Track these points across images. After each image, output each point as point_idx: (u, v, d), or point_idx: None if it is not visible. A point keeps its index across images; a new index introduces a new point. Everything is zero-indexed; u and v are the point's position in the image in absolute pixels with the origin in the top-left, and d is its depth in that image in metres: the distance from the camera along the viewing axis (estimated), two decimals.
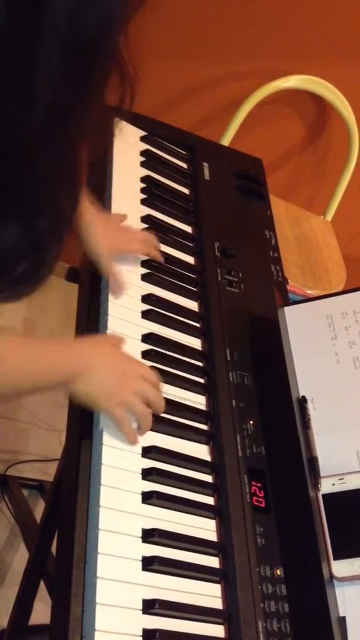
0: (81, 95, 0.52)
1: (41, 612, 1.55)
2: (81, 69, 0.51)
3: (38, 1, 0.46)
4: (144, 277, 1.11)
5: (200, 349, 1.10)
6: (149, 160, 1.29)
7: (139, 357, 1.01)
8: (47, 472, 1.93)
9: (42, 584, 1.49)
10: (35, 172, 0.54)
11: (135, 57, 0.55)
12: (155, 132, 1.34)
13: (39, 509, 1.87)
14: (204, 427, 1.01)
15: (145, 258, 1.13)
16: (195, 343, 1.10)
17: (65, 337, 2.10)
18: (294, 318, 1.13)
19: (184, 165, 1.37)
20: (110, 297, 1.04)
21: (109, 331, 1.00)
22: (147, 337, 1.04)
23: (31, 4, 0.46)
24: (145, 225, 1.18)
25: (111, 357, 0.91)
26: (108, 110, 0.58)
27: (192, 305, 1.15)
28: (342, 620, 0.86)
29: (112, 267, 1.04)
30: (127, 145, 1.28)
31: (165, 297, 1.12)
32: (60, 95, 0.49)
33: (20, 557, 1.76)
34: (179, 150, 1.38)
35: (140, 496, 0.87)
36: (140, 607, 0.79)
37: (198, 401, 1.04)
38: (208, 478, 0.96)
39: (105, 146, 0.62)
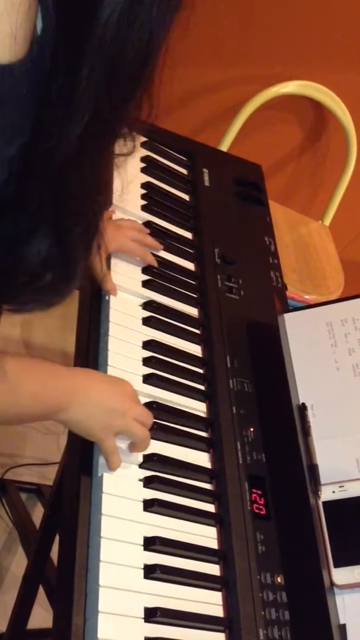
0: (116, 115, 0.53)
1: (39, 617, 1.55)
2: (120, 90, 0.51)
3: (88, 15, 0.45)
4: (145, 284, 1.12)
5: (200, 355, 1.11)
6: (149, 166, 1.29)
7: (139, 363, 1.01)
8: (46, 476, 1.93)
9: (40, 588, 1.49)
10: (68, 189, 0.54)
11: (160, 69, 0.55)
12: (155, 138, 1.34)
13: (37, 512, 1.87)
14: (204, 434, 1.02)
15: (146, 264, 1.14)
16: (195, 350, 1.11)
17: (61, 348, 2.10)
18: (293, 325, 1.13)
19: (184, 172, 1.37)
20: (111, 304, 1.04)
21: (110, 337, 1.00)
22: (148, 344, 1.04)
23: (80, 18, 0.46)
24: (147, 231, 1.18)
25: (102, 382, 0.88)
26: (132, 125, 0.59)
27: (193, 311, 1.16)
28: (343, 628, 0.86)
29: (104, 269, 1.04)
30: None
31: (165, 304, 1.12)
32: (97, 116, 0.50)
33: (18, 561, 1.76)
34: (179, 156, 1.38)
35: (141, 504, 0.87)
36: (142, 616, 0.79)
37: (198, 408, 1.04)
38: (209, 485, 0.96)
39: (124, 159, 0.62)
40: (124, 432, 0.87)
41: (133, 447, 0.89)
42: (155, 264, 1.13)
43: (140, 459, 0.91)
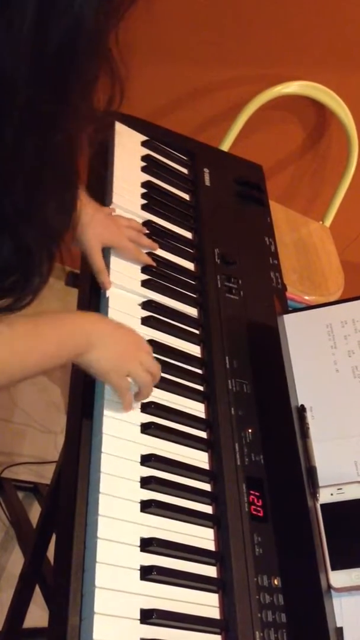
0: (61, 100, 0.51)
1: (35, 616, 1.54)
2: (55, 74, 0.50)
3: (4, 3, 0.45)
4: (144, 283, 1.11)
5: (199, 356, 1.10)
6: (149, 165, 1.29)
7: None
8: (43, 475, 1.93)
9: (37, 587, 1.49)
10: (20, 183, 0.53)
11: (127, 58, 0.54)
12: (156, 137, 1.34)
13: (34, 511, 1.87)
14: (202, 434, 1.01)
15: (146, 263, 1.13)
16: (194, 350, 1.10)
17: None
18: (293, 326, 1.13)
19: (185, 171, 1.37)
20: (110, 303, 1.04)
21: None
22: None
23: None
24: (146, 231, 1.18)
25: (122, 330, 0.93)
26: (99, 117, 0.57)
27: (192, 311, 1.15)
28: (340, 631, 0.86)
29: (100, 264, 1.04)
30: (128, 150, 1.28)
31: (164, 304, 1.12)
32: (36, 102, 0.49)
33: (14, 560, 1.75)
34: (180, 155, 1.38)
35: (139, 505, 0.87)
36: (139, 617, 0.79)
37: (197, 408, 1.04)
38: (206, 487, 0.96)
39: (101, 151, 0.61)
40: (131, 375, 0.91)
41: (137, 395, 0.93)
42: (150, 262, 1.13)
43: (139, 458, 0.91)
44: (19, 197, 0.55)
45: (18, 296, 0.62)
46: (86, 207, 1.02)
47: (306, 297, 1.72)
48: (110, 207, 1.16)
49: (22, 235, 0.57)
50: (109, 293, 1.05)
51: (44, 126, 0.52)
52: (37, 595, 1.49)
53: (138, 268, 1.12)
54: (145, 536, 0.85)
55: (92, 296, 1.06)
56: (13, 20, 0.45)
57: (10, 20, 0.45)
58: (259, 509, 0.95)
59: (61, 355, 0.84)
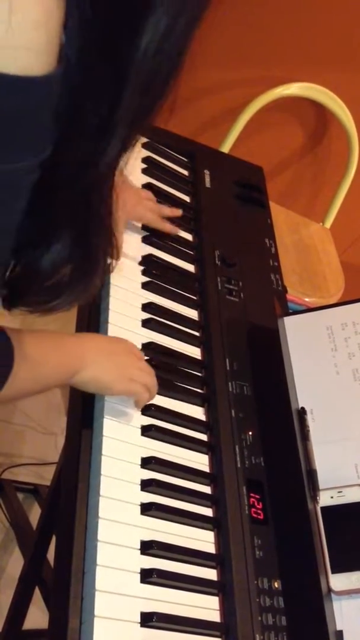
0: (140, 130, 0.55)
1: (35, 617, 1.54)
2: (147, 109, 0.53)
3: (131, 39, 0.47)
4: (144, 285, 1.11)
5: (199, 358, 1.10)
6: (150, 167, 1.29)
7: None
8: (43, 476, 1.93)
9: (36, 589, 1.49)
10: (98, 196, 0.57)
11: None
12: (156, 138, 1.34)
13: (34, 513, 1.87)
14: (203, 437, 1.01)
15: (145, 264, 1.13)
16: (194, 352, 1.10)
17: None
18: (293, 328, 1.13)
19: (185, 173, 1.37)
20: (111, 305, 1.04)
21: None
22: (147, 346, 1.04)
23: (124, 38, 0.47)
24: (146, 233, 1.18)
25: (106, 341, 0.94)
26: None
27: (192, 313, 1.15)
28: (340, 634, 0.86)
29: (120, 236, 1.05)
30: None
31: (165, 306, 1.11)
32: (133, 131, 0.52)
33: (14, 562, 1.75)
34: (180, 157, 1.38)
35: (139, 507, 0.87)
36: (139, 620, 0.79)
37: (197, 411, 1.03)
38: (207, 489, 0.96)
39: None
40: (135, 379, 0.92)
41: (139, 401, 0.94)
42: (176, 231, 1.17)
43: (139, 461, 0.91)
44: (92, 207, 0.58)
45: (70, 293, 0.63)
46: None
47: (306, 299, 1.72)
48: None
49: (88, 235, 0.60)
50: (109, 294, 1.04)
51: (127, 148, 0.55)
52: (37, 596, 1.49)
53: (139, 269, 1.12)
54: (146, 539, 0.85)
55: (93, 299, 1.06)
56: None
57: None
58: (259, 511, 0.95)
59: (57, 377, 0.85)
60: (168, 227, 1.16)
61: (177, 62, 0.51)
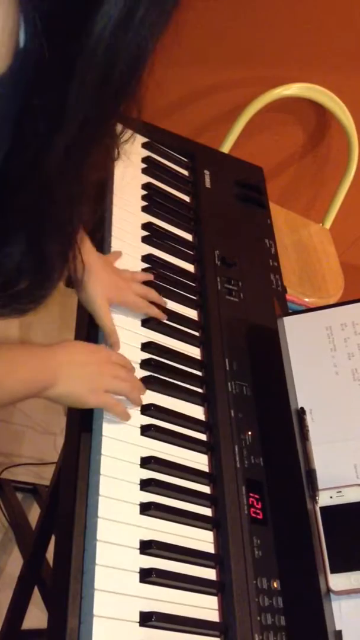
0: (104, 126, 0.53)
1: (34, 617, 1.54)
2: (108, 101, 0.51)
3: (80, 28, 0.45)
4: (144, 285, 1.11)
5: (199, 358, 1.10)
6: (150, 167, 1.29)
7: (137, 366, 1.01)
8: (42, 476, 1.93)
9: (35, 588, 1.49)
10: (50, 198, 0.54)
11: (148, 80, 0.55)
12: (157, 138, 1.34)
13: (33, 512, 1.87)
14: (202, 437, 1.01)
15: (146, 261, 1.13)
16: (194, 352, 1.10)
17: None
18: (293, 328, 1.13)
19: (185, 173, 1.37)
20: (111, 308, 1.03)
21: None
22: (147, 346, 1.04)
23: (72, 32, 0.45)
24: (146, 233, 1.18)
25: (80, 353, 0.92)
26: (117, 135, 0.59)
27: (192, 313, 1.15)
28: (339, 634, 0.86)
29: (109, 326, 1.00)
30: (128, 152, 1.28)
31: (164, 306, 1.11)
32: (84, 126, 0.50)
33: (13, 561, 1.75)
34: (180, 157, 1.38)
35: (138, 507, 0.87)
36: (138, 620, 0.79)
37: (197, 411, 1.03)
38: (206, 489, 0.96)
39: (109, 169, 0.62)
40: (110, 390, 0.91)
41: (114, 414, 0.92)
42: (162, 317, 1.08)
43: (138, 460, 0.91)
44: (47, 207, 0.56)
45: (25, 302, 0.62)
46: (93, 262, 1.00)
47: (306, 299, 1.72)
48: (112, 208, 1.15)
49: (42, 239, 0.58)
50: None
51: (86, 147, 0.53)
52: (37, 596, 1.49)
53: (138, 269, 1.12)
54: (145, 538, 0.85)
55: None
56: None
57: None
58: (258, 511, 0.95)
59: (26, 392, 0.84)
60: (155, 312, 1.07)
61: (138, 55, 0.49)
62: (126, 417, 0.92)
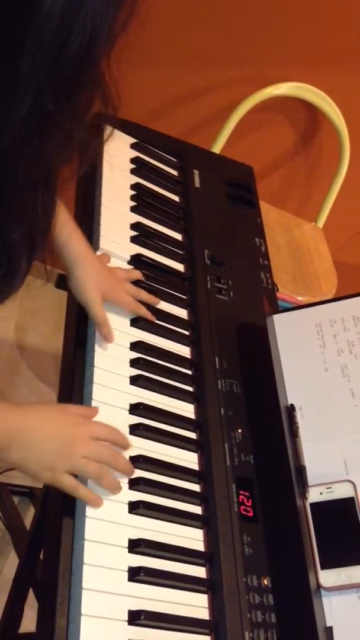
0: (62, 105, 0.52)
1: (31, 621, 1.54)
2: (64, 79, 0.50)
3: (30, 4, 0.45)
4: (134, 285, 1.11)
5: (189, 356, 1.10)
6: (139, 167, 1.29)
7: (127, 365, 1.00)
8: None
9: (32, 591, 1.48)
10: (12, 180, 0.54)
11: (118, 72, 0.55)
12: (146, 139, 1.34)
13: (29, 516, 1.86)
14: (192, 435, 1.01)
15: (134, 263, 1.13)
16: (184, 351, 1.10)
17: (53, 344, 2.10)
18: (283, 326, 1.13)
19: (175, 173, 1.37)
20: None
21: (97, 339, 1.00)
22: (136, 345, 1.04)
23: (23, 6, 0.45)
24: (135, 233, 1.18)
25: (51, 422, 0.83)
26: (91, 127, 0.58)
27: (182, 312, 1.15)
28: (329, 631, 0.86)
29: (102, 315, 0.99)
30: (117, 153, 1.28)
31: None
32: (41, 104, 0.49)
33: (10, 564, 1.75)
34: (170, 157, 1.38)
35: (127, 506, 0.87)
36: (126, 618, 0.78)
37: (186, 409, 1.03)
38: (196, 487, 0.96)
39: (89, 163, 0.61)
40: (74, 472, 0.83)
41: (100, 485, 0.85)
42: (151, 318, 1.07)
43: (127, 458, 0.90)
44: (8, 190, 0.55)
45: None
46: (86, 255, 1.00)
47: (299, 298, 1.72)
48: (100, 209, 1.15)
49: (7, 227, 0.57)
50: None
51: (46, 128, 0.52)
52: (33, 599, 1.48)
53: (127, 267, 1.12)
54: (133, 537, 0.84)
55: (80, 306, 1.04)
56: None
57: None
58: (248, 509, 0.95)
59: None
60: (144, 312, 1.06)
61: (94, 32, 0.49)
62: (94, 503, 0.83)
